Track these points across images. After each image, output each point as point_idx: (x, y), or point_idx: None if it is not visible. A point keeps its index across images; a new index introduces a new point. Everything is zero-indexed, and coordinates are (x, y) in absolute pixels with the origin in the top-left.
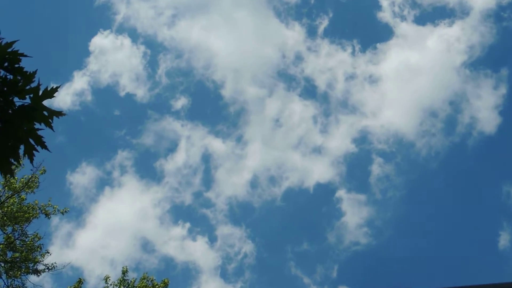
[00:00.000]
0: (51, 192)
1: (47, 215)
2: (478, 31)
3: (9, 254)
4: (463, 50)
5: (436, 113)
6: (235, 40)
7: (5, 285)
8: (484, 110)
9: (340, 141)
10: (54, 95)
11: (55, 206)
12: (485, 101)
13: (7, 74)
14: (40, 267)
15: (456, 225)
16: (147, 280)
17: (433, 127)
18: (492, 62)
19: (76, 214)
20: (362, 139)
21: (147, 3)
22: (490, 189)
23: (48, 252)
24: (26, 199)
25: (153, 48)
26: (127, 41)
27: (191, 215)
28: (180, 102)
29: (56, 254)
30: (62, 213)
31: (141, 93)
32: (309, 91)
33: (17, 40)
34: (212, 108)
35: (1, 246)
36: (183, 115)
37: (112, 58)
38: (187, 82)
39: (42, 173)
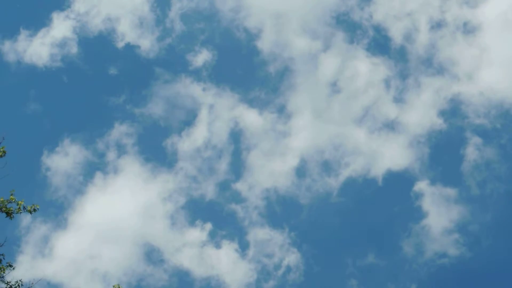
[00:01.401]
0: (17, 181)
1: (8, 214)
2: None
3: None
4: None
5: None
6: None
7: None
8: None
9: (422, 113)
10: None
11: (19, 202)
12: None
13: None
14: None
15: None
16: None
17: None
18: None
19: (55, 211)
20: (452, 110)
21: None
22: None
23: (10, 266)
24: None
25: None
26: None
27: (214, 213)
28: (201, 58)
29: (26, 267)
30: (30, 212)
31: (146, 44)
32: (380, 44)
33: None
34: (245, 67)
35: None
36: (205, 75)
37: None
38: (210, 29)
39: (0, 155)
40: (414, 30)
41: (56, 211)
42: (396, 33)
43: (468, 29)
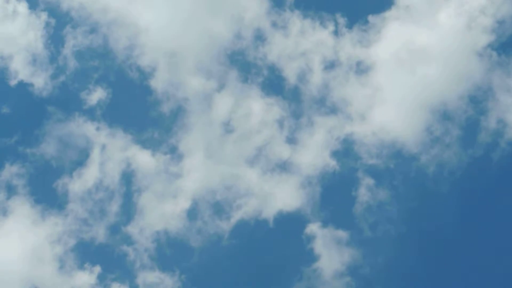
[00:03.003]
0: None
1: None
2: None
3: None
4: (489, 26)
5: (449, 114)
6: (170, 11)
7: None
8: None
9: (314, 154)
10: None
11: None
12: None
13: None
14: None
15: (477, 270)
16: None
17: (446, 135)
18: None
19: None
20: (345, 151)
21: None
22: None
23: None
24: None
25: (57, 19)
26: (22, 6)
27: (104, 256)
28: (95, 96)
29: None
30: None
31: (40, 82)
32: (274, 84)
33: None
34: (138, 106)
35: None
36: (99, 114)
37: None
38: (105, 67)
39: None
40: (307, 70)
41: None
42: (290, 73)
43: (361, 68)
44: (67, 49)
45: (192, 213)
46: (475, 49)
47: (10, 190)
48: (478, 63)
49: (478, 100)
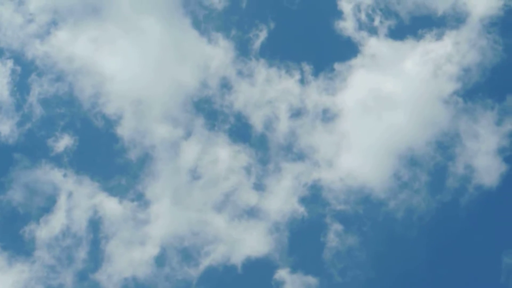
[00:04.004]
0: None
1: None
2: (477, 47)
3: None
4: (456, 73)
5: (417, 161)
6: (136, 60)
7: None
8: (483, 155)
9: (282, 200)
10: None
11: None
12: (485, 143)
13: None
14: None
15: None
16: None
17: (414, 180)
18: (495, 89)
19: None
20: (313, 197)
21: (11, 4)
22: (488, 263)
23: None
24: None
25: (23, 67)
26: None
27: None
28: (62, 143)
29: None
30: None
31: (6, 129)
32: (241, 131)
33: None
34: (105, 154)
35: None
36: (66, 161)
37: None
38: (71, 115)
39: None
40: (274, 118)
41: None
42: (256, 120)
43: (328, 116)
44: (33, 97)
45: (160, 260)
46: (442, 96)
47: None
48: (444, 109)
49: (446, 146)
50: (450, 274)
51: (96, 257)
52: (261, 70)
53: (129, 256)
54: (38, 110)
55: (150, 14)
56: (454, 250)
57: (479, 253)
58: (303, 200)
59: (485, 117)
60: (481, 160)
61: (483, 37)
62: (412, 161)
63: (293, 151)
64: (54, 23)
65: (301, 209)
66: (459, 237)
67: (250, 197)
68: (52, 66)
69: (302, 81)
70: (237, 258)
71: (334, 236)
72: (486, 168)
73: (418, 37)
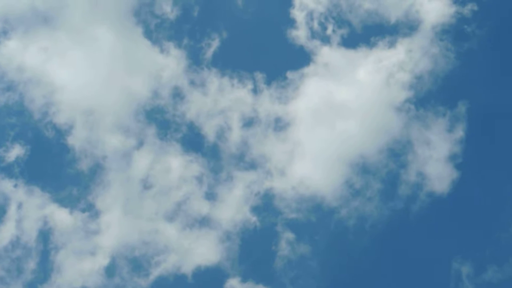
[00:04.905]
0: None
1: None
2: (429, 55)
3: None
4: (408, 81)
5: (369, 168)
6: (87, 69)
7: None
8: (435, 162)
9: (234, 209)
10: None
11: None
12: (436, 150)
13: None
14: None
15: None
16: None
17: (366, 188)
18: (447, 96)
19: None
20: (265, 206)
21: None
22: (439, 270)
23: None
24: None
25: None
26: None
27: None
28: (13, 153)
29: None
30: None
31: None
32: (193, 141)
33: None
34: (55, 164)
35: None
36: (17, 171)
37: None
38: (22, 125)
39: None
40: (226, 128)
41: None
42: (209, 130)
43: (280, 125)
44: None
45: (110, 270)
46: (394, 104)
47: None
48: (396, 117)
49: (398, 153)
50: (402, 281)
51: (46, 268)
52: (214, 80)
53: (79, 267)
54: None
55: (102, 24)
56: (405, 257)
57: (430, 260)
58: (255, 209)
59: (437, 124)
60: (433, 167)
61: (435, 45)
62: (364, 168)
63: (245, 160)
64: (4, 32)
65: (253, 218)
66: (411, 244)
67: (201, 206)
68: (2, 75)
69: (255, 90)
70: (188, 268)
71: (285, 245)
72: (438, 175)
73: (370, 45)
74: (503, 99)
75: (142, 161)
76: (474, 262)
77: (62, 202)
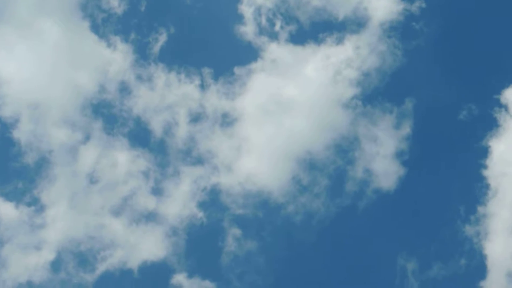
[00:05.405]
0: None
1: None
2: (377, 52)
3: None
4: (356, 77)
5: (316, 164)
6: (33, 63)
7: None
8: (382, 159)
9: (181, 205)
10: None
11: None
12: (383, 146)
13: None
14: None
15: None
16: None
17: (314, 184)
18: (394, 93)
19: None
20: (212, 202)
21: None
22: (385, 265)
23: None
24: None
25: None
26: None
27: None
28: None
29: None
30: None
31: None
32: (140, 136)
33: None
34: (0, 158)
35: None
36: None
37: None
38: None
39: None
40: (173, 123)
41: None
42: (156, 125)
43: (227, 120)
44: None
45: (56, 265)
46: (341, 100)
47: None
48: (344, 114)
49: (345, 150)
50: (348, 277)
51: None
52: (161, 75)
53: (24, 261)
54: None
55: (48, 17)
56: (352, 253)
57: (376, 256)
58: (201, 205)
59: (384, 121)
60: (380, 164)
61: (383, 42)
62: (311, 165)
63: (192, 156)
64: None
65: (200, 214)
66: (357, 241)
67: (148, 202)
68: None
69: (202, 86)
70: (134, 263)
71: (232, 241)
72: (384, 172)
73: (318, 41)
74: (449, 96)
75: (88, 156)
76: (419, 259)
77: (8, 196)
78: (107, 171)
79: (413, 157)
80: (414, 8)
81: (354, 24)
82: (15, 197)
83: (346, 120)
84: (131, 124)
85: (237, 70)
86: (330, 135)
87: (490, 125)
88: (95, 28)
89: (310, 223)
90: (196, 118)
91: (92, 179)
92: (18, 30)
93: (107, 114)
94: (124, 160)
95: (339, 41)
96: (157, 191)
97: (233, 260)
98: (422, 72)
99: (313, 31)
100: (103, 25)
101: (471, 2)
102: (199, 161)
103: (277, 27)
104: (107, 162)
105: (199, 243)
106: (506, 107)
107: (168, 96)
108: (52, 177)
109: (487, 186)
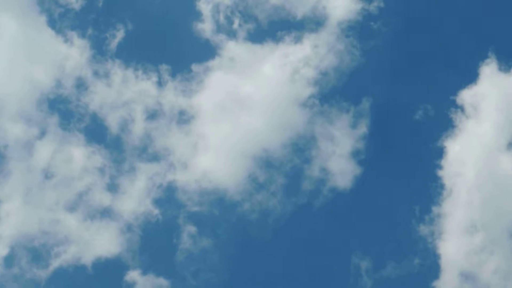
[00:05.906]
0: None
1: None
2: (335, 51)
3: None
4: (313, 76)
5: (273, 163)
6: None
7: None
8: (338, 158)
9: (136, 201)
10: None
11: None
12: (340, 145)
13: None
14: None
15: None
16: None
17: (270, 183)
18: (351, 92)
19: None
20: (167, 199)
21: None
22: (339, 264)
23: None
24: None
25: None
26: None
27: None
28: None
29: None
30: None
31: None
32: (96, 132)
33: None
34: None
35: None
36: None
37: None
38: None
39: None
40: (130, 120)
41: None
42: (112, 122)
43: (184, 118)
44: None
45: (9, 260)
46: (299, 99)
47: None
48: (301, 112)
49: (301, 148)
50: (302, 276)
51: None
52: (118, 71)
53: None
54: None
55: (4, 12)
56: (307, 251)
57: (331, 255)
58: (157, 201)
59: (340, 120)
60: (336, 163)
61: (341, 41)
62: (267, 163)
63: (148, 152)
64: None
65: (155, 210)
66: (312, 239)
67: (103, 198)
68: None
69: (159, 83)
70: (88, 259)
71: (187, 238)
72: (341, 171)
73: (276, 40)
74: (406, 96)
75: (44, 151)
76: (374, 258)
77: None
78: (63, 167)
79: (369, 157)
80: (372, 7)
81: (313, 23)
82: None
83: (303, 118)
84: (87, 120)
85: (195, 67)
86: (287, 134)
87: (446, 125)
88: (52, 23)
89: (265, 221)
90: (153, 115)
91: (47, 175)
92: None
93: (63, 109)
94: (79, 156)
95: (297, 40)
96: (112, 188)
97: (188, 257)
98: (379, 72)
99: (271, 29)
100: (60, 20)
101: (429, 2)
102: (155, 158)
103: (235, 25)
104: (63, 158)
105: (154, 240)
106: (462, 108)
107: (125, 93)
108: (6, 172)
109: (442, 186)
